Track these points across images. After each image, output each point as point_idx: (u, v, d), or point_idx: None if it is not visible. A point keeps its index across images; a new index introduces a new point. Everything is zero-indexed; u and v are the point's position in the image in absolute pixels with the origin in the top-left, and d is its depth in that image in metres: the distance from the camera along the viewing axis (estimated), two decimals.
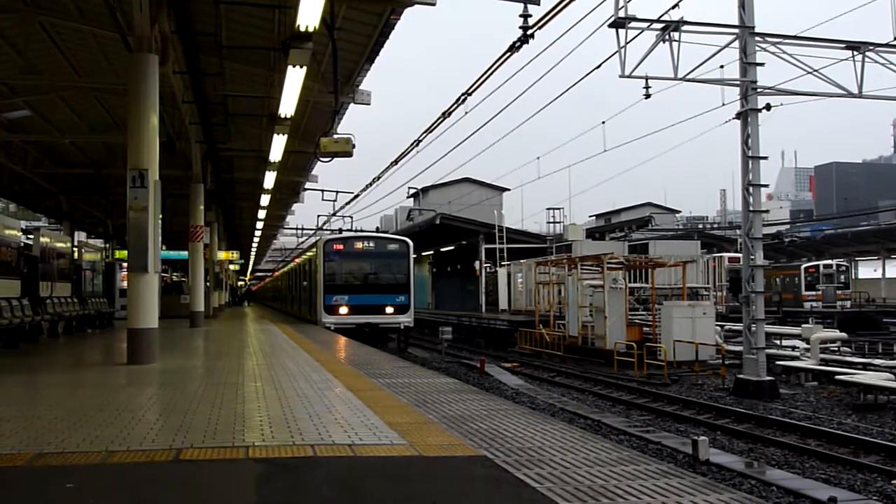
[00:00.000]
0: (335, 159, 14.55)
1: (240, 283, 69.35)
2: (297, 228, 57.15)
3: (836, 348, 20.10)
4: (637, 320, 24.09)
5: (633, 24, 14.39)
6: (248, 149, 22.83)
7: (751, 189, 15.62)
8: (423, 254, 44.70)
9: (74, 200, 29.99)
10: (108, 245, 33.57)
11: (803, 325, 21.39)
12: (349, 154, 13.72)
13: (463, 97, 17.36)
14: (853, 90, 16.00)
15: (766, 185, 16.50)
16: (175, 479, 4.40)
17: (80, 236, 34.79)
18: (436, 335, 26.01)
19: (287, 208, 39.06)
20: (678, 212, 77.83)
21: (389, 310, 22.09)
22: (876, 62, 16.00)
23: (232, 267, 47.95)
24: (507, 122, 19.80)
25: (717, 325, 22.28)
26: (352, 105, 16.97)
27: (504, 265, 36.12)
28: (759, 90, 15.48)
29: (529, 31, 13.07)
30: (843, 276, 36.11)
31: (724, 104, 16.84)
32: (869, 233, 47.20)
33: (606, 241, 41.56)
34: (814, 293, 34.44)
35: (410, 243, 23.25)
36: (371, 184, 31.08)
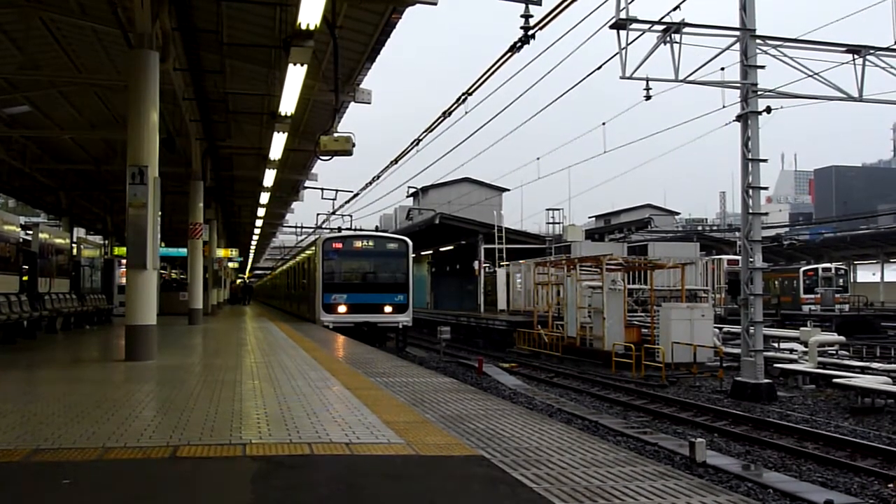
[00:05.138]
0: (335, 158, 14.56)
1: (238, 280, 69.22)
2: (296, 227, 57.24)
3: (834, 352, 20.13)
4: (635, 322, 24.09)
5: (635, 25, 14.38)
6: (248, 146, 22.83)
7: (750, 191, 15.62)
8: (423, 253, 44.69)
9: (74, 196, 29.98)
10: (107, 241, 33.55)
11: (801, 329, 21.40)
12: (349, 153, 13.71)
13: (463, 97, 17.37)
14: (853, 94, 15.99)
15: (765, 188, 16.51)
16: (172, 477, 4.40)
17: (79, 232, 34.80)
18: (434, 335, 26.01)
19: (287, 206, 39.05)
20: (678, 213, 77.95)
21: (388, 309, 22.08)
22: (876, 66, 16.00)
23: (231, 265, 47.90)
24: (507, 122, 19.82)
25: (716, 327, 22.29)
26: (352, 104, 16.97)
27: (503, 265, 36.13)
28: (759, 93, 15.48)
29: (530, 32, 13.06)
30: (841, 280, 36.11)
31: (724, 106, 16.89)
32: (868, 236, 47.29)
33: (606, 243, 41.56)
34: (812, 296, 34.43)
35: (409, 242, 23.25)
36: (371, 183, 31.14)
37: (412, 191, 45.81)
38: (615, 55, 14.41)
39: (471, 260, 38.91)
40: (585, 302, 23.16)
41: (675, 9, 14.54)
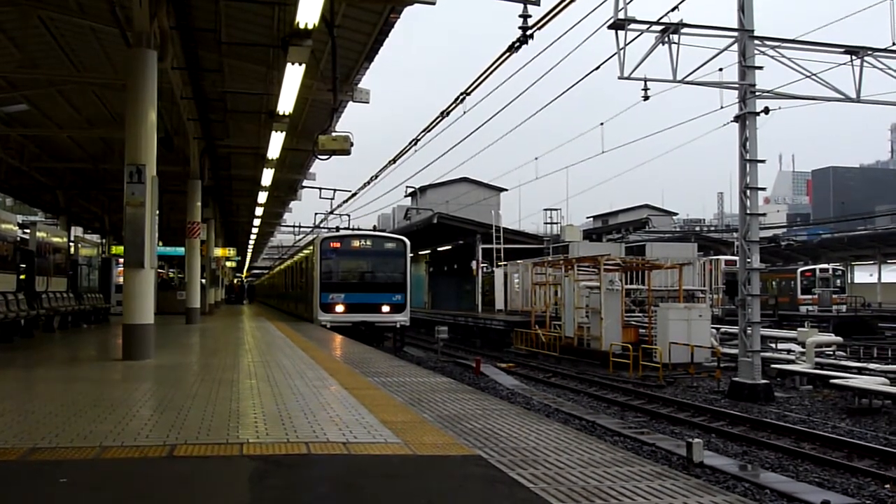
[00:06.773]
0: (333, 157, 14.54)
1: (236, 280, 69.20)
2: (294, 226, 57.17)
3: (832, 352, 20.16)
4: (633, 322, 24.10)
5: (633, 25, 14.38)
6: (246, 146, 22.81)
7: (748, 192, 15.63)
8: (421, 253, 44.71)
9: (71, 195, 29.91)
10: (104, 240, 33.53)
11: (799, 329, 21.42)
12: (347, 152, 13.70)
13: (462, 97, 17.38)
14: (851, 95, 16.01)
15: (763, 189, 16.53)
16: (169, 476, 4.39)
17: (76, 231, 34.77)
18: (432, 334, 26.01)
19: (285, 206, 39.02)
20: (675, 214, 78.00)
21: (386, 308, 22.06)
22: (874, 67, 16.01)
23: (229, 264, 47.88)
24: (505, 122, 19.86)
25: (713, 327, 22.31)
26: (350, 103, 16.97)
27: (501, 265, 36.14)
28: (757, 93, 15.49)
29: (529, 32, 13.06)
30: (839, 281, 36.18)
31: (722, 107, 16.91)
32: (865, 237, 47.36)
33: (603, 243, 41.58)
34: (810, 297, 34.51)
35: (407, 242, 23.24)
36: (369, 182, 31.16)
37: (410, 190, 45.83)
38: (613, 55, 14.42)
39: (468, 260, 38.92)
40: (583, 302, 23.16)
41: (673, 9, 14.56)
